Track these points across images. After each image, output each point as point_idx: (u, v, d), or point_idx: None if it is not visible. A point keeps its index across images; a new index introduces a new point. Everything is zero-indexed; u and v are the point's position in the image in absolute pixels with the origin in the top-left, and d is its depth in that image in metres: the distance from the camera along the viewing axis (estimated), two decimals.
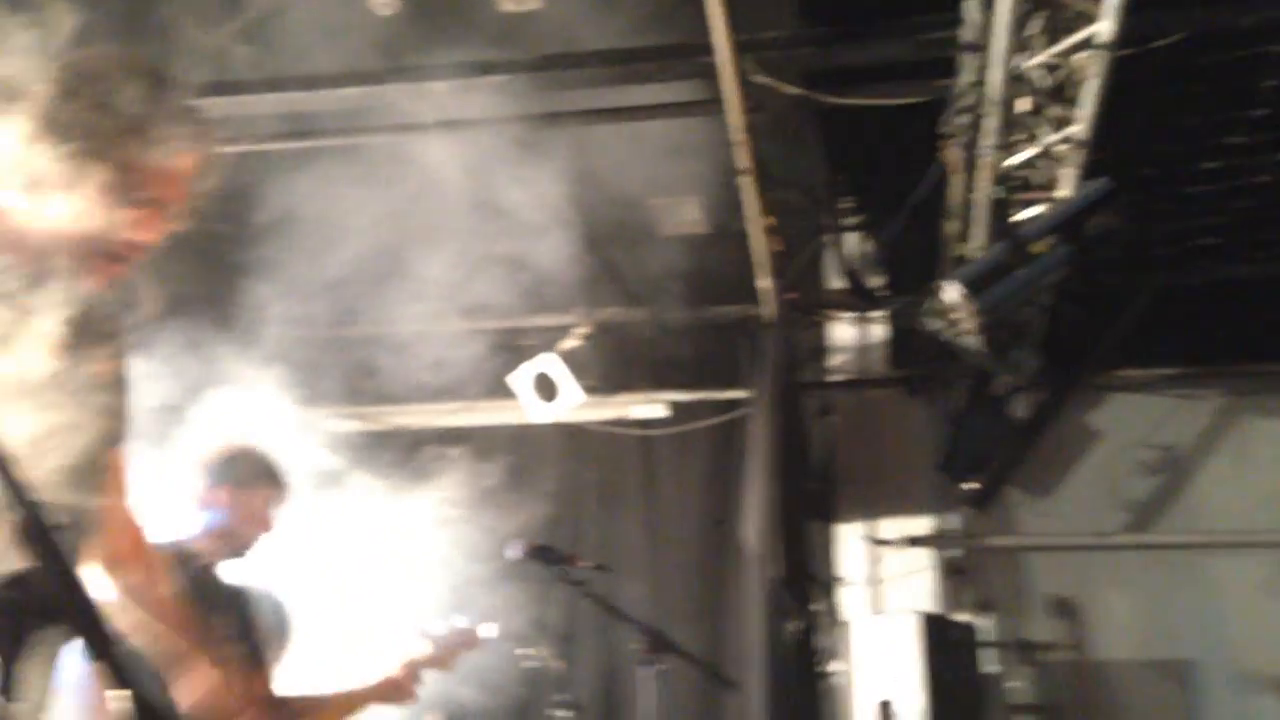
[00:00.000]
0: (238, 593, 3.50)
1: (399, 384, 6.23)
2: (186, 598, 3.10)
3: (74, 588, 1.20)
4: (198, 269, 5.27)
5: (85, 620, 1.19)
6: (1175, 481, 5.92)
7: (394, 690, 3.42)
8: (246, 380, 6.09)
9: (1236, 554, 5.76)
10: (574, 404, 5.90)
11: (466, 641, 3.58)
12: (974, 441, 5.46)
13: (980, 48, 3.78)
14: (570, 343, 6.01)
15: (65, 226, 1.79)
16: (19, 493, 1.19)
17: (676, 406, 6.22)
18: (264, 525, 3.43)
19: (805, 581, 5.23)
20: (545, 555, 3.55)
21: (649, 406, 6.23)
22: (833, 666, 5.44)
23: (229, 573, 3.43)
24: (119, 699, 1.22)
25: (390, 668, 3.44)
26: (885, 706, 4.67)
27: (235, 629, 3.34)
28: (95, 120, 1.78)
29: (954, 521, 6.00)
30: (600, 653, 5.86)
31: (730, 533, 5.75)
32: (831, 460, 6.03)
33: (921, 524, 5.97)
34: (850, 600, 5.88)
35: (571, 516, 6.15)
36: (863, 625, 4.91)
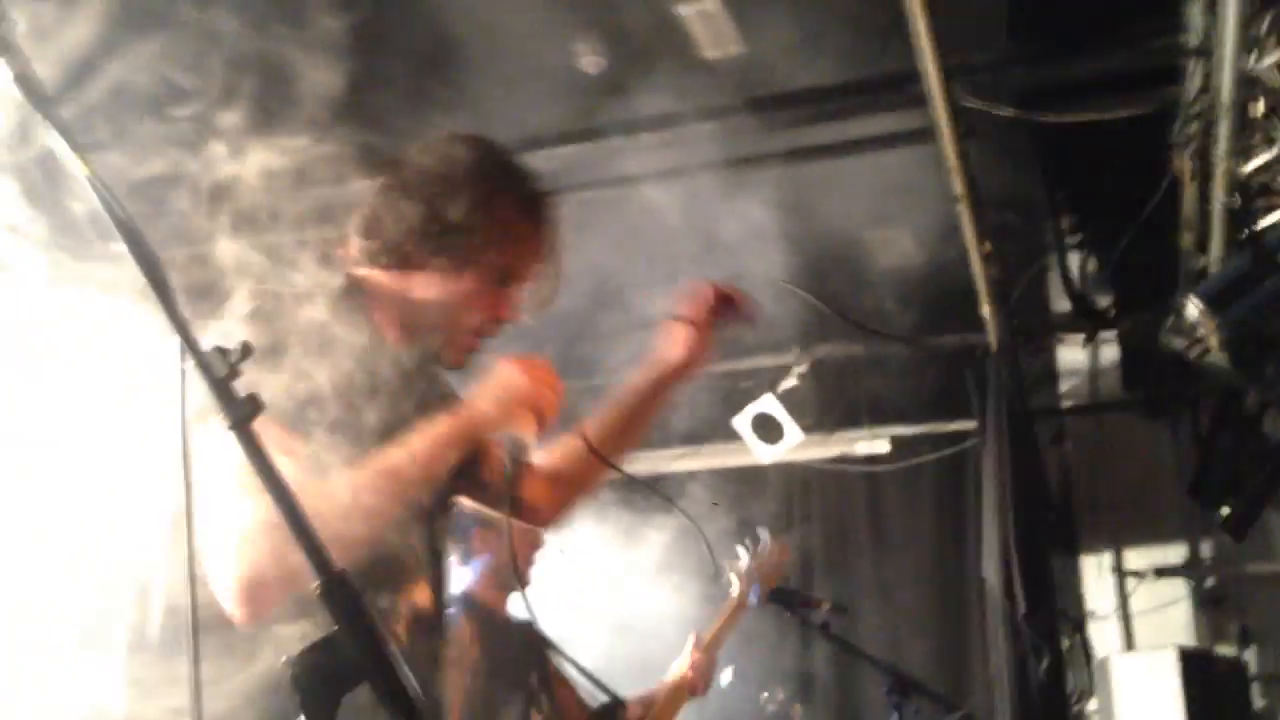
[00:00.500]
0: (528, 626, 3.50)
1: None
2: (490, 658, 3.20)
3: (379, 652, 1.25)
4: None
5: (390, 684, 1.24)
6: None
7: (688, 686, 3.38)
8: None
9: None
10: (795, 444, 5.90)
11: (780, 554, 3.52)
12: (1226, 464, 5.15)
13: (1207, 52, 3.63)
14: (789, 382, 6.01)
15: (437, 306, 1.92)
16: (321, 557, 1.26)
17: (900, 441, 6.12)
18: (530, 550, 3.38)
19: (1051, 617, 5.04)
20: (786, 599, 3.54)
21: (873, 443, 6.15)
22: (1087, 707, 5.23)
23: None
24: None
25: (683, 660, 3.42)
26: None
27: (539, 668, 3.42)
28: (465, 212, 1.90)
29: (1207, 549, 5.68)
30: (840, 696, 5.79)
31: (967, 570, 5.61)
32: (1070, 489, 5.82)
33: (1172, 553, 5.68)
34: (1100, 635, 5.63)
35: (801, 558, 6.12)
36: (1118, 663, 4.70)
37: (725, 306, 2.48)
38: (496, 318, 2.01)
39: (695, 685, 3.40)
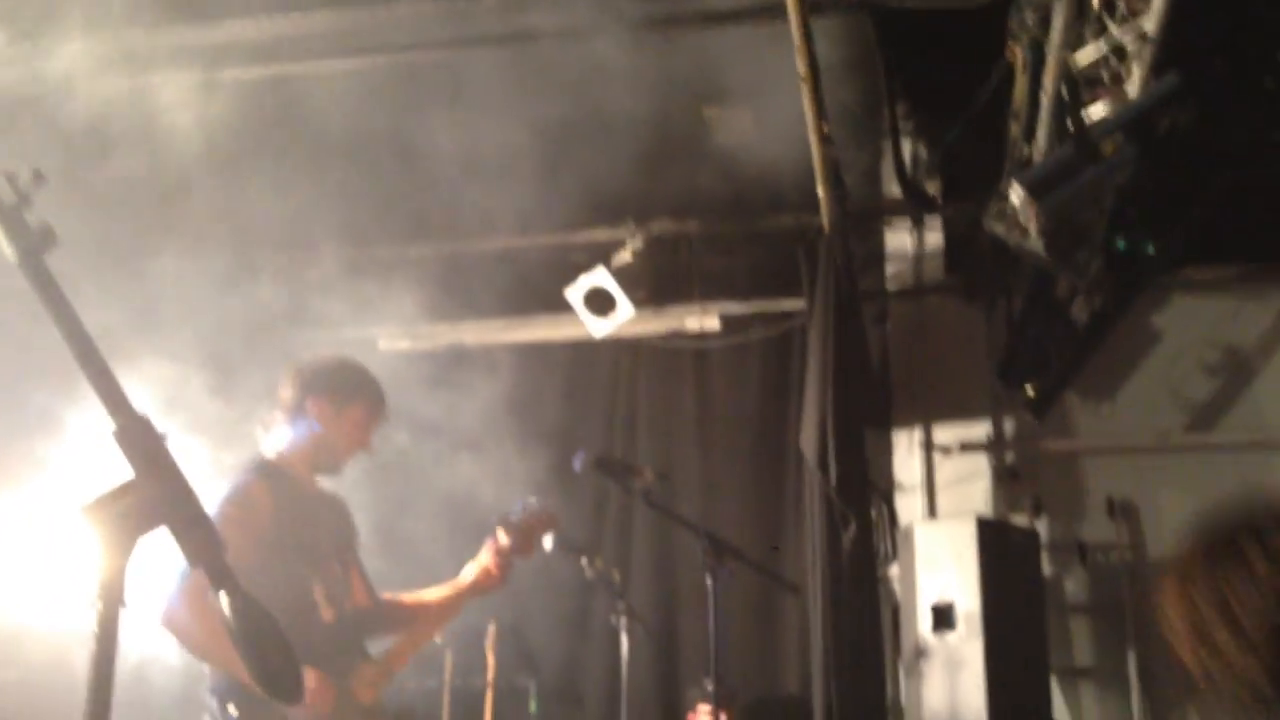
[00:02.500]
0: (336, 503, 3.52)
1: (452, 302, 6.27)
2: (282, 516, 3.19)
3: (178, 490, 1.22)
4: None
5: (188, 518, 1.21)
6: (1237, 382, 5.86)
7: (487, 579, 3.43)
8: (305, 303, 6.18)
9: None
10: (627, 318, 5.91)
11: (544, 521, 3.60)
12: (1033, 345, 5.42)
13: None
14: (623, 256, 6.00)
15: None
16: (118, 400, 1.21)
17: (731, 318, 6.21)
18: (360, 443, 3.41)
19: (862, 488, 5.25)
20: (610, 467, 3.58)
21: (704, 319, 6.22)
22: (891, 571, 5.50)
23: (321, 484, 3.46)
24: (222, 601, 1.26)
25: (480, 559, 3.47)
26: (942, 610, 4.72)
27: (335, 540, 3.40)
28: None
29: (1009, 427, 5.99)
30: (659, 562, 5.94)
31: (788, 443, 5.78)
32: (888, 368, 6.03)
33: (978, 430, 5.97)
34: (907, 506, 5.91)
35: (627, 430, 6.20)
36: (921, 530, 4.94)
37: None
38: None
39: (492, 583, 3.47)
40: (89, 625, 1.16)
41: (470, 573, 3.46)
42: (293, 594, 3.18)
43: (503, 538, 3.47)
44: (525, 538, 3.52)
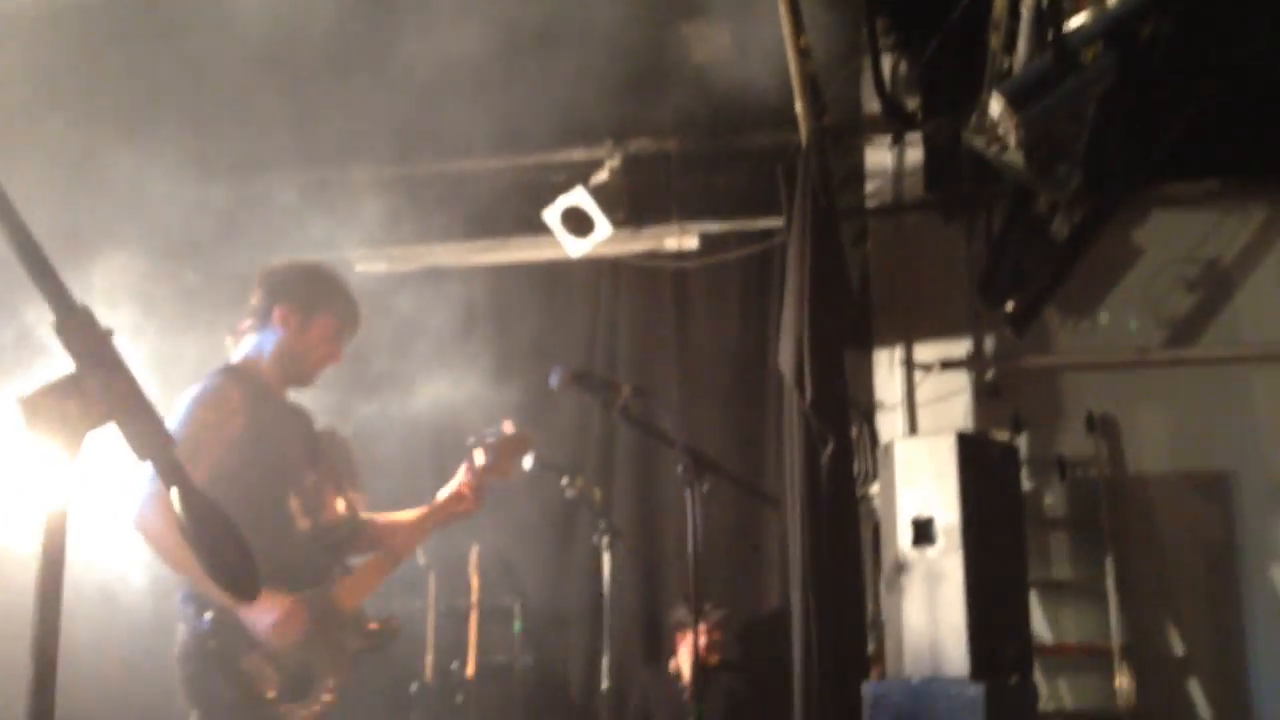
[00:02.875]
0: (302, 414, 3.45)
1: (429, 223, 6.22)
2: (255, 421, 3.13)
3: (125, 390, 1.19)
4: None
5: (137, 421, 1.18)
6: (1216, 296, 5.87)
7: (461, 501, 3.42)
8: (278, 225, 6.11)
9: (1277, 367, 5.73)
10: (604, 238, 5.87)
11: (519, 443, 3.57)
12: (1013, 262, 5.40)
13: None
14: (601, 176, 5.94)
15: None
16: (59, 293, 1.17)
17: (709, 237, 6.17)
18: (330, 355, 3.31)
19: (841, 407, 5.25)
20: (587, 381, 3.55)
21: (682, 239, 6.18)
22: (872, 490, 5.52)
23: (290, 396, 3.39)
24: (173, 497, 1.23)
25: (455, 481, 3.45)
26: (922, 524, 4.74)
27: (306, 449, 3.34)
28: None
29: (989, 344, 6.00)
30: (641, 480, 5.96)
31: (767, 363, 5.77)
32: (867, 286, 6.00)
33: (958, 347, 5.97)
34: (888, 425, 5.93)
35: (607, 350, 6.18)
36: (901, 446, 4.94)
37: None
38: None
39: (467, 505, 3.44)
40: (37, 530, 1.13)
41: (444, 494, 3.45)
42: (267, 502, 3.13)
43: (479, 459, 3.45)
44: (501, 459, 3.49)
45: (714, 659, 5.35)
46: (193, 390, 3.12)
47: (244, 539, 1.30)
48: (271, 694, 2.98)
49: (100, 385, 1.12)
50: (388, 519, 3.50)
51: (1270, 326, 5.75)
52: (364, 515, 3.48)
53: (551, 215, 5.85)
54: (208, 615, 2.97)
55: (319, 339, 3.28)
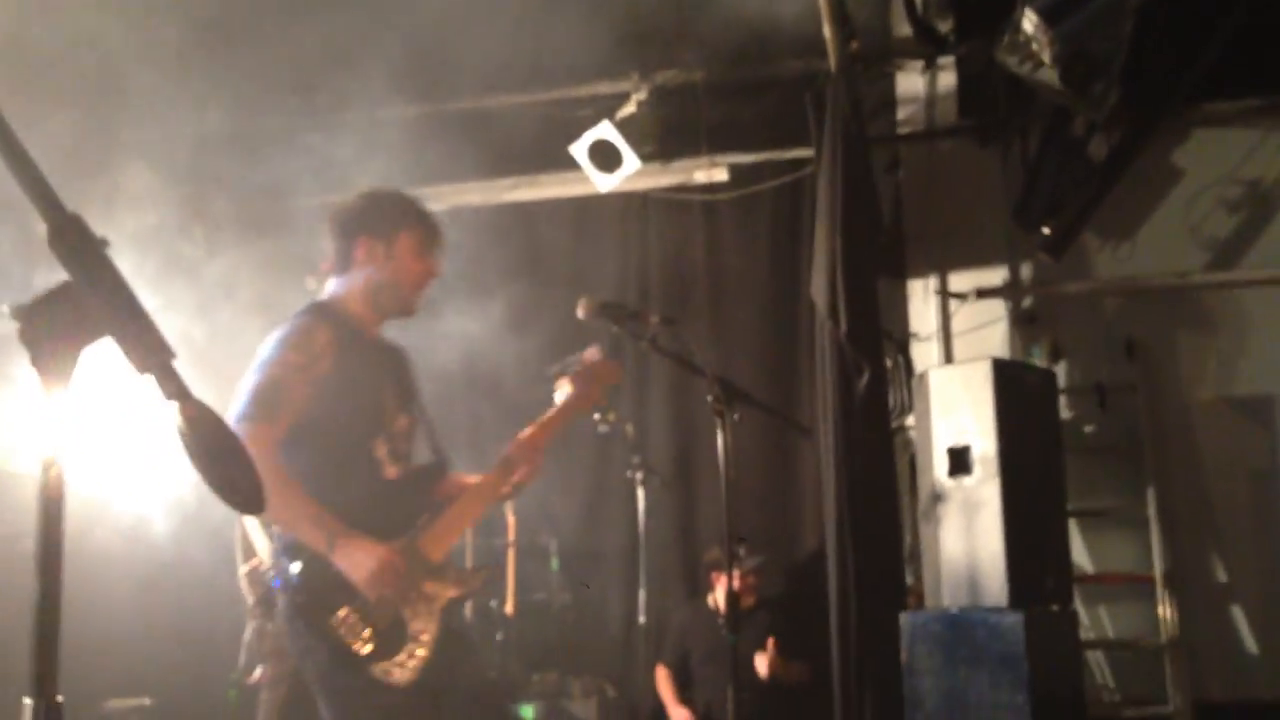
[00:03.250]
0: (397, 353, 3.30)
1: (456, 161, 6.17)
2: (343, 362, 2.97)
3: (120, 297, 1.15)
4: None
5: (136, 329, 1.15)
6: (1257, 218, 5.74)
7: (546, 436, 3.26)
8: (302, 167, 6.08)
9: None
10: (633, 171, 5.80)
11: (609, 371, 3.43)
12: (1049, 186, 5.30)
13: None
14: (628, 109, 5.87)
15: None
16: (49, 199, 1.14)
17: (739, 169, 6.09)
18: (425, 272, 3.15)
19: (875, 337, 5.20)
20: (614, 312, 3.50)
21: (711, 171, 6.10)
22: (907, 422, 5.48)
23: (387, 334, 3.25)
24: (174, 411, 1.20)
25: (545, 417, 3.29)
26: (958, 453, 4.69)
27: (400, 391, 3.19)
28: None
29: (1026, 271, 5.91)
30: (675, 415, 5.94)
31: (800, 293, 5.71)
32: (900, 215, 5.91)
33: (995, 275, 5.89)
34: (923, 355, 5.86)
35: (639, 285, 6.14)
36: (936, 375, 4.88)
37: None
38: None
39: (515, 471, 3.29)
40: (37, 451, 1.11)
41: (528, 432, 3.25)
42: (354, 448, 3.01)
43: (562, 392, 3.29)
44: (592, 388, 3.34)
45: (749, 601, 5.35)
46: (278, 331, 3.00)
47: (247, 455, 1.27)
48: (364, 650, 2.84)
49: (96, 298, 1.09)
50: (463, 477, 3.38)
51: None
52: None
53: (579, 150, 5.79)
54: (296, 567, 2.87)
55: (408, 260, 3.13)
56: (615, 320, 3.40)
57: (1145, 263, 5.80)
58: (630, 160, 5.76)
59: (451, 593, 3.06)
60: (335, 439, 2.97)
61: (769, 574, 5.59)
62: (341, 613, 2.83)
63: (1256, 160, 5.68)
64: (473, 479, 3.27)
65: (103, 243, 1.13)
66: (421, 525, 3.06)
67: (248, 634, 4.94)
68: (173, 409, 1.14)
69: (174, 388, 1.15)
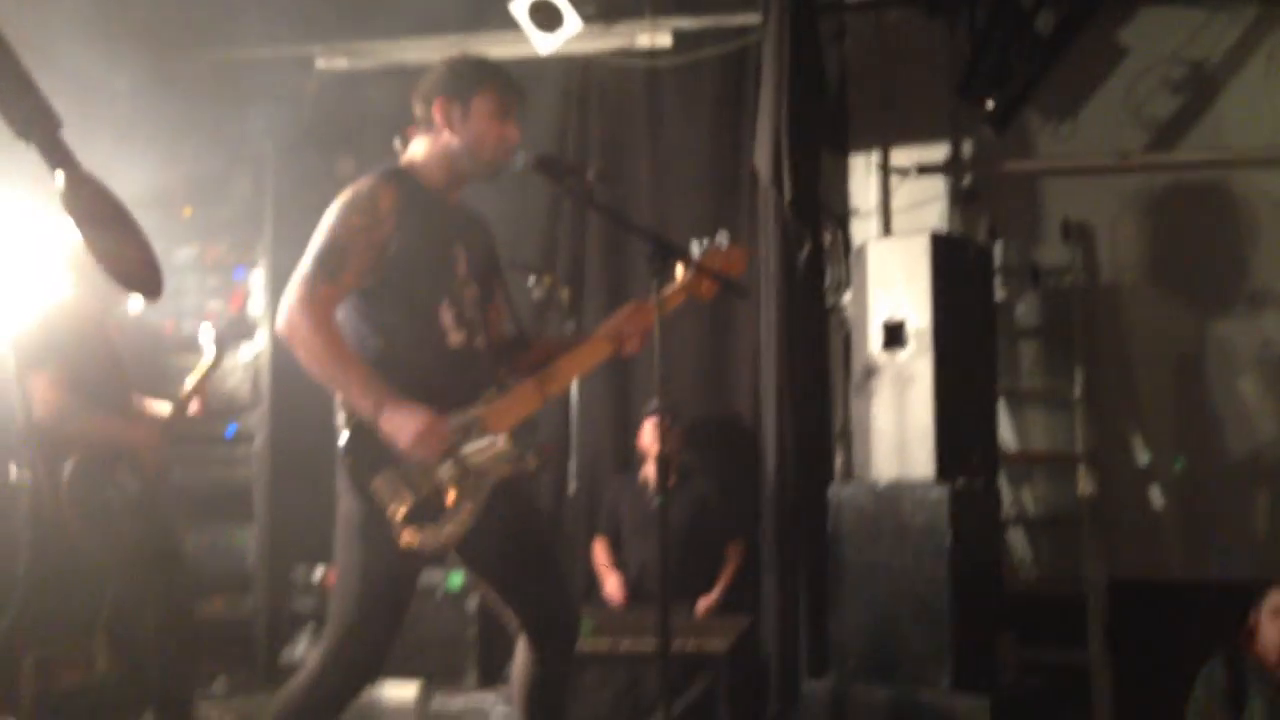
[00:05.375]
0: (477, 224, 3.29)
1: (392, 18, 5.96)
2: (409, 225, 2.97)
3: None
4: None
5: (13, 98, 1.06)
6: (1200, 99, 5.72)
7: (644, 316, 3.26)
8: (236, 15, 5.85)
9: (1260, 171, 5.63)
10: (574, 33, 5.64)
11: (740, 259, 3.43)
12: (996, 59, 5.23)
13: None
14: None
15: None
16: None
17: (683, 34, 5.93)
18: (502, 136, 3.14)
19: (815, 208, 5.14)
20: (552, 165, 3.39)
21: (654, 35, 5.94)
22: (844, 299, 5.46)
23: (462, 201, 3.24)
24: (58, 179, 1.13)
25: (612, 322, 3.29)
26: (893, 327, 4.69)
27: (475, 261, 3.18)
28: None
29: (970, 148, 5.87)
30: (610, 279, 5.87)
31: (742, 161, 5.62)
32: (845, 87, 5.81)
33: (937, 151, 5.84)
34: (862, 231, 5.83)
35: (578, 150, 6.01)
36: (874, 247, 4.85)
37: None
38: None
39: (625, 341, 3.26)
40: None
41: (627, 310, 3.30)
42: (417, 311, 3.02)
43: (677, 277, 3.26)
44: (722, 272, 3.32)
45: (677, 456, 5.37)
46: (345, 193, 3.01)
47: (140, 232, 1.19)
48: (400, 512, 2.88)
49: None
50: (552, 341, 3.41)
51: (1254, 130, 5.63)
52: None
53: (519, 8, 5.61)
54: (345, 432, 2.92)
55: (484, 121, 3.12)
56: (553, 174, 3.30)
57: (1087, 142, 5.77)
58: (571, 20, 5.59)
59: (505, 468, 3.06)
60: (398, 302, 3.00)
61: (699, 441, 5.61)
62: (384, 475, 2.89)
63: (1201, 41, 5.64)
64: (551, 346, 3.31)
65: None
66: (486, 398, 3.06)
67: None
68: (57, 178, 1.06)
69: (59, 156, 1.06)
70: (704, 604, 5.23)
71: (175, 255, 5.98)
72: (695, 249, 3.38)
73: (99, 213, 1.11)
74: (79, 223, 1.10)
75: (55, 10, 5.52)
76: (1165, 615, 5.33)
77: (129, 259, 1.17)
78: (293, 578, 5.68)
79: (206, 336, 4.67)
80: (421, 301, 3.03)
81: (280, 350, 5.51)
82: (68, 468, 4.25)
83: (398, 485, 2.90)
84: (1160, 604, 5.40)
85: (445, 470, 2.94)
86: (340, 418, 2.97)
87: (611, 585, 5.38)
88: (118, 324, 4.64)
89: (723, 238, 3.42)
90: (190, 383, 4.63)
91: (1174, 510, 5.65)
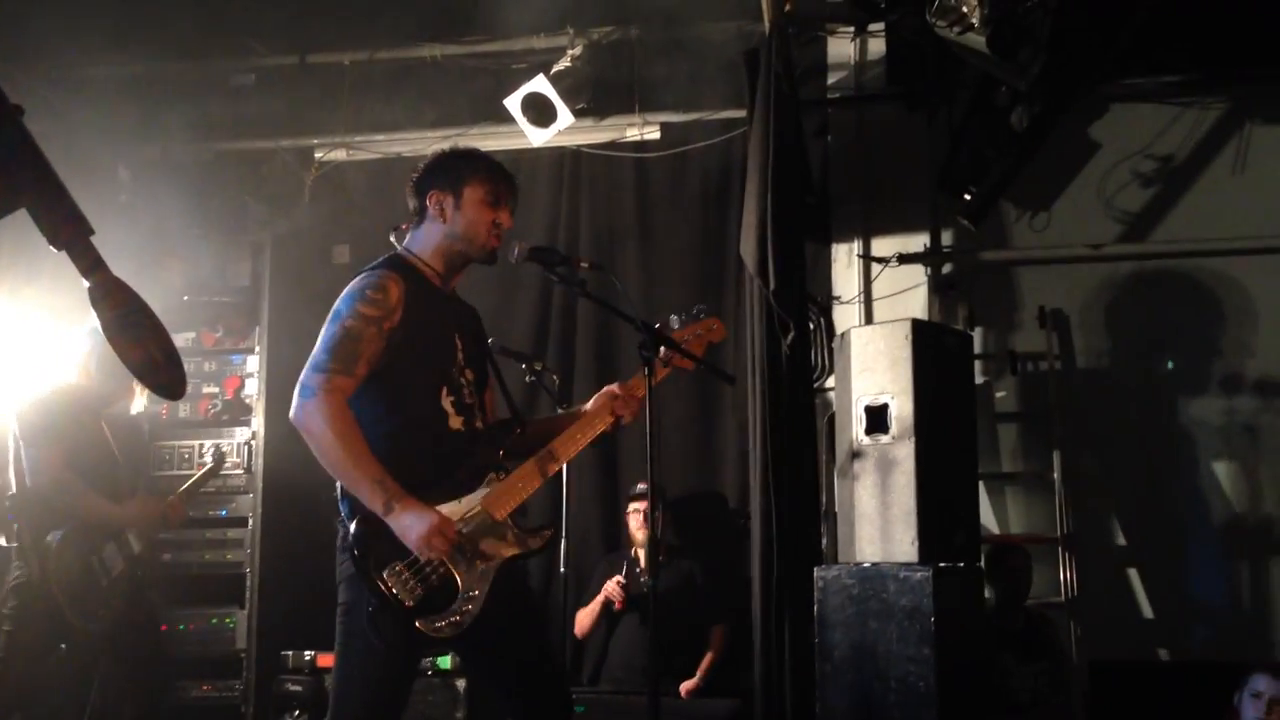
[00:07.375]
0: (469, 311, 3.38)
1: (389, 112, 6.14)
2: (413, 314, 3.06)
3: (36, 171, 1.13)
4: None
5: (50, 206, 1.12)
6: (1170, 192, 5.93)
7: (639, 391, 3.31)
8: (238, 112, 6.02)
9: (1230, 261, 5.82)
10: (565, 126, 5.82)
11: (716, 331, 3.51)
12: (973, 153, 5.42)
13: None
14: (562, 63, 5.88)
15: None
16: None
17: (671, 128, 6.13)
18: (497, 222, 3.24)
19: (801, 296, 5.28)
20: (546, 256, 3.52)
21: (644, 129, 6.14)
22: (828, 383, 5.58)
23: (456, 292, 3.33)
24: (90, 284, 1.16)
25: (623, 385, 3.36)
26: (876, 411, 4.79)
27: (469, 348, 3.25)
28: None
29: (947, 238, 6.04)
30: (600, 366, 5.98)
31: (728, 252, 5.78)
32: (827, 179, 6.00)
33: (916, 241, 6.00)
34: (844, 319, 5.96)
35: (569, 239, 6.17)
36: (857, 334, 4.97)
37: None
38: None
39: (619, 413, 3.31)
40: None
41: (616, 386, 3.35)
42: (421, 398, 3.10)
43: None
44: (696, 347, 3.43)
45: (666, 538, 5.44)
46: (355, 282, 3.10)
47: (168, 337, 1.26)
48: (409, 603, 2.93)
49: (9, 163, 1.07)
50: (546, 421, 3.44)
51: (1225, 221, 5.83)
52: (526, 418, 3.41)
53: (513, 103, 5.79)
54: (355, 525, 2.96)
55: (476, 208, 3.23)
56: (546, 264, 3.42)
57: (1061, 233, 5.97)
58: (564, 115, 5.78)
59: (509, 552, 3.13)
60: (403, 387, 3.08)
61: (685, 518, 5.68)
62: (394, 569, 2.94)
63: (1170, 136, 5.88)
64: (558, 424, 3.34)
65: (17, 110, 1.11)
66: (489, 482, 3.13)
67: None
68: (90, 285, 1.12)
69: (90, 262, 1.13)
70: (687, 688, 5.27)
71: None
72: (674, 321, 3.50)
73: (127, 316, 1.18)
74: (106, 325, 1.17)
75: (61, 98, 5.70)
76: (1147, 696, 5.38)
77: (154, 361, 1.23)
78: (282, 660, 5.68)
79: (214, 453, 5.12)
80: (425, 387, 3.11)
81: (273, 434, 5.61)
82: (55, 537, 4.33)
83: (406, 578, 2.95)
84: (1142, 685, 5.44)
85: (453, 559, 2.99)
86: (344, 508, 3.02)
87: (611, 587, 5.41)
88: (113, 417, 4.76)
89: (699, 310, 3.53)
90: (187, 485, 4.95)
91: (1150, 592, 5.73)
